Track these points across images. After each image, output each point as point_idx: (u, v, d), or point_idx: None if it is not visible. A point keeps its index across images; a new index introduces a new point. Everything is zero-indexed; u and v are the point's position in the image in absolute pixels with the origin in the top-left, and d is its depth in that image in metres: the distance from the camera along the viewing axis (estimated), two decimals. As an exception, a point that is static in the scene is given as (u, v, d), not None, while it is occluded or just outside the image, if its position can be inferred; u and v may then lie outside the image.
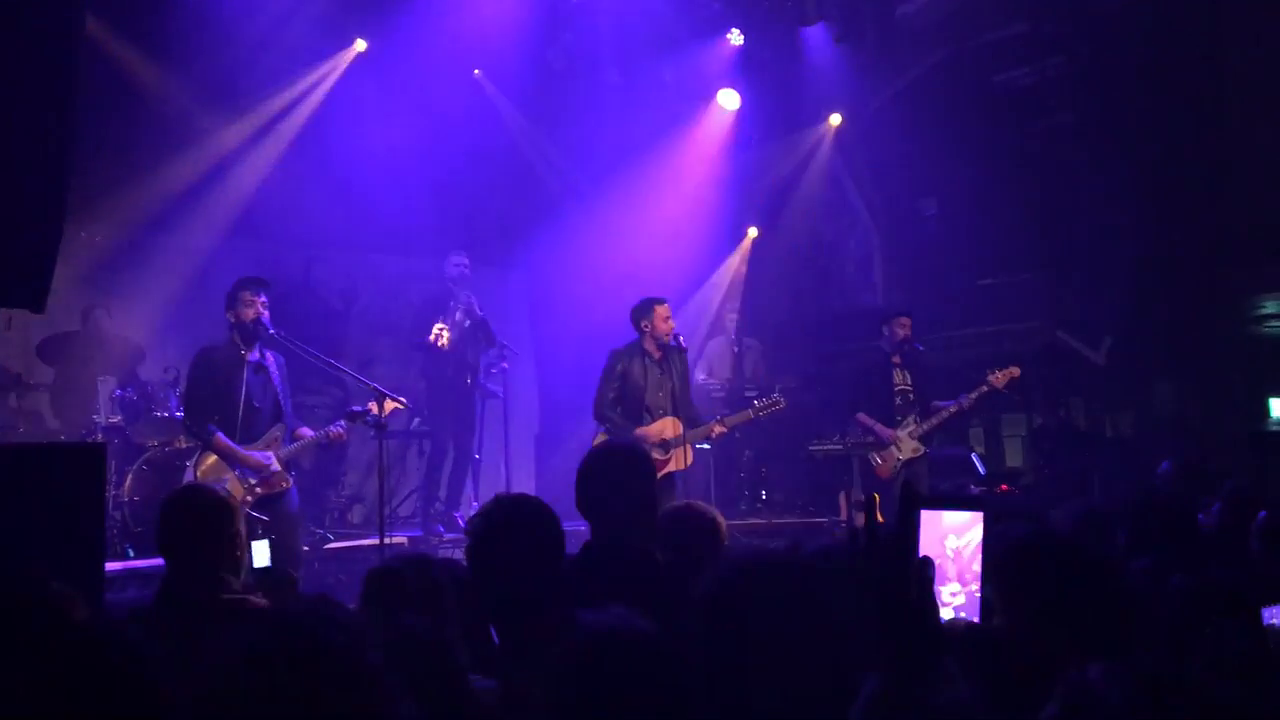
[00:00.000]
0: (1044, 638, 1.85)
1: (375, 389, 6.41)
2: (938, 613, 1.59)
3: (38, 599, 2.40)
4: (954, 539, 1.78)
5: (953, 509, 1.79)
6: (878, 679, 1.55)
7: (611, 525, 3.28)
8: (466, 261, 8.84)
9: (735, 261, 11.60)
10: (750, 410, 7.74)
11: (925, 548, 1.69)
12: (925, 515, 1.71)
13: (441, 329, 8.32)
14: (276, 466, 6.12)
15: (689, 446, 7.27)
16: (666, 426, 7.26)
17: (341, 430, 6.37)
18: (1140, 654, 2.14)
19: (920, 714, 1.52)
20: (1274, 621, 2.69)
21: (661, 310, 7.39)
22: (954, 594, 1.77)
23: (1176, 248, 9.21)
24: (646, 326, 7.39)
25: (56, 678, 1.74)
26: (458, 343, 8.51)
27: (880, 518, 1.74)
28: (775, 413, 7.85)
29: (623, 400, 7.36)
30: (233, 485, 5.92)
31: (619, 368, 7.36)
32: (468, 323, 8.56)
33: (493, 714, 2.20)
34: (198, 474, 5.99)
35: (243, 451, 6.04)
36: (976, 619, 1.77)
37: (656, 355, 7.38)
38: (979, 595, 1.78)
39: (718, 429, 7.47)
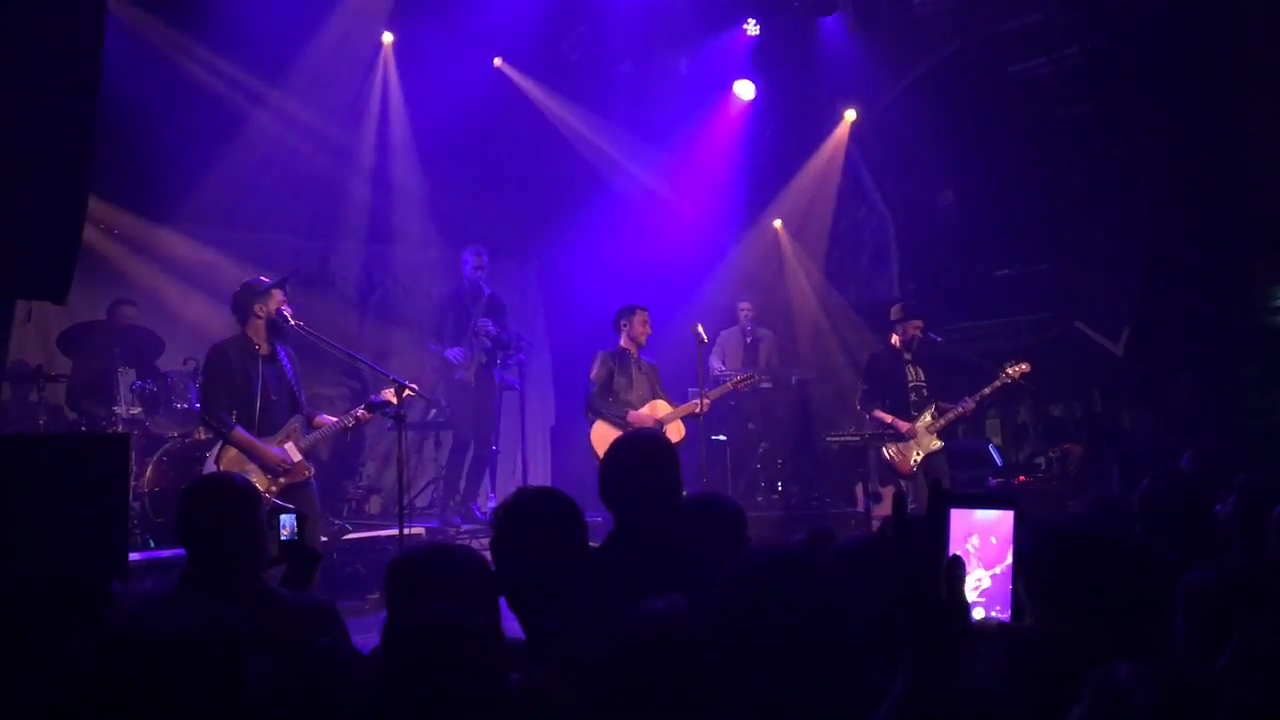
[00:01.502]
0: (1076, 635, 1.84)
1: (393, 379, 6.43)
2: (969, 611, 1.59)
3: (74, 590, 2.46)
4: (977, 537, 1.77)
5: (983, 507, 1.79)
6: (907, 677, 1.55)
7: (636, 515, 3.28)
8: (483, 260, 8.89)
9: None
10: (729, 383, 8.39)
11: (953, 542, 1.69)
12: (954, 514, 1.71)
13: (470, 361, 8.65)
14: (297, 457, 6.15)
15: (678, 421, 7.97)
16: (655, 408, 7.97)
17: (365, 412, 6.41)
18: (1171, 650, 2.13)
19: (950, 712, 1.52)
20: None
21: (641, 315, 8.06)
22: (979, 580, 1.77)
23: (1194, 238, 9.17)
24: (625, 327, 8.04)
25: (93, 664, 1.77)
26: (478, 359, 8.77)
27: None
28: (752, 385, 8.68)
29: (610, 395, 7.97)
30: (256, 476, 5.94)
31: (607, 368, 7.98)
32: (489, 344, 8.76)
33: (519, 706, 2.21)
34: (220, 466, 6.00)
35: (262, 445, 6.06)
36: (1007, 617, 1.76)
37: (634, 356, 8.05)
38: (1008, 586, 1.77)
39: (703, 402, 7.91)
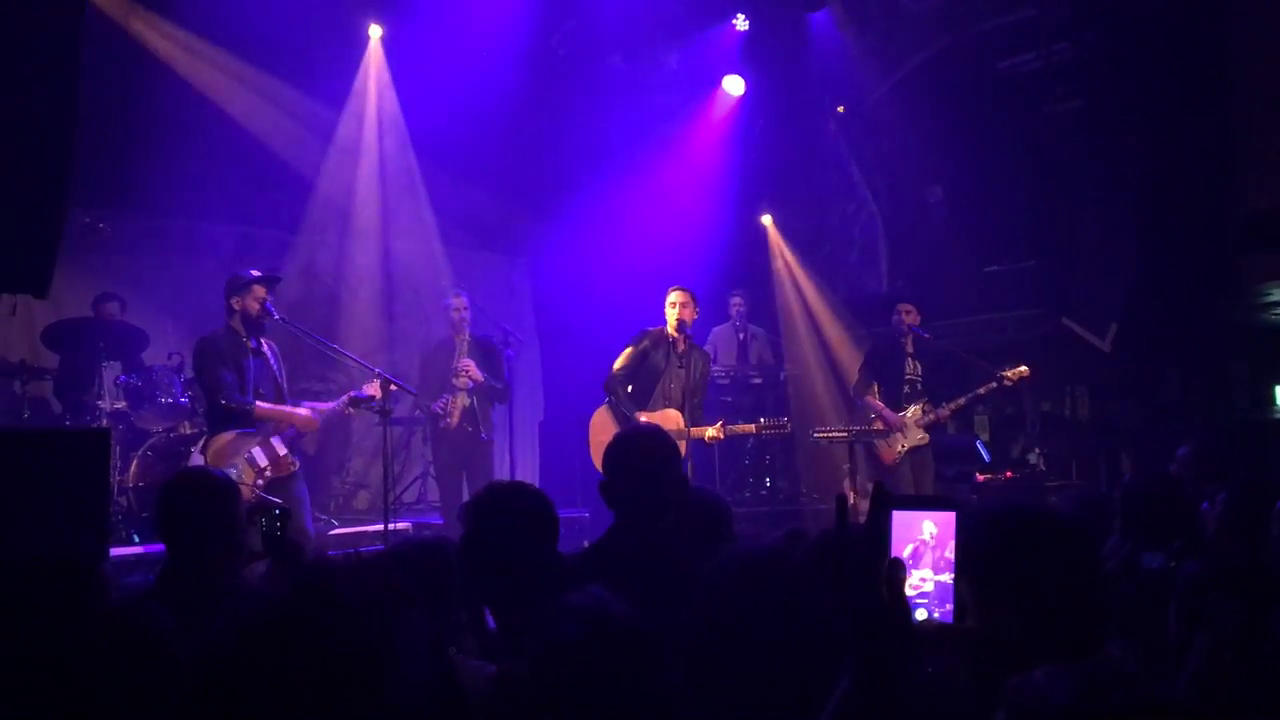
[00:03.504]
0: (1015, 634, 1.82)
1: (379, 374, 6.41)
2: (910, 615, 1.59)
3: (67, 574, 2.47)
4: (930, 525, 1.78)
5: (925, 509, 1.79)
6: (849, 680, 1.55)
7: (638, 513, 3.23)
8: (464, 304, 8.07)
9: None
10: (755, 425, 7.76)
11: (900, 535, 1.69)
12: (898, 515, 1.71)
13: (452, 406, 7.80)
14: (283, 451, 6.12)
15: (684, 443, 7.26)
16: (669, 418, 7.25)
17: (350, 407, 6.40)
18: (1114, 648, 2.12)
19: (891, 713, 1.52)
20: None
21: (670, 296, 7.48)
22: (923, 579, 1.77)
23: (1183, 234, 9.18)
24: (666, 310, 7.50)
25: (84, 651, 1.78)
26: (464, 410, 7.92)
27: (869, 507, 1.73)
28: (778, 434, 7.97)
29: (636, 380, 7.43)
30: (243, 469, 5.93)
31: (642, 346, 7.44)
32: (471, 389, 7.89)
33: (489, 699, 2.21)
34: (208, 458, 5.98)
35: (288, 409, 6.13)
36: (950, 618, 1.77)
37: (680, 347, 7.44)
38: (949, 585, 1.77)
39: (714, 433, 7.39)
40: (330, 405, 6.47)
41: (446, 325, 8.20)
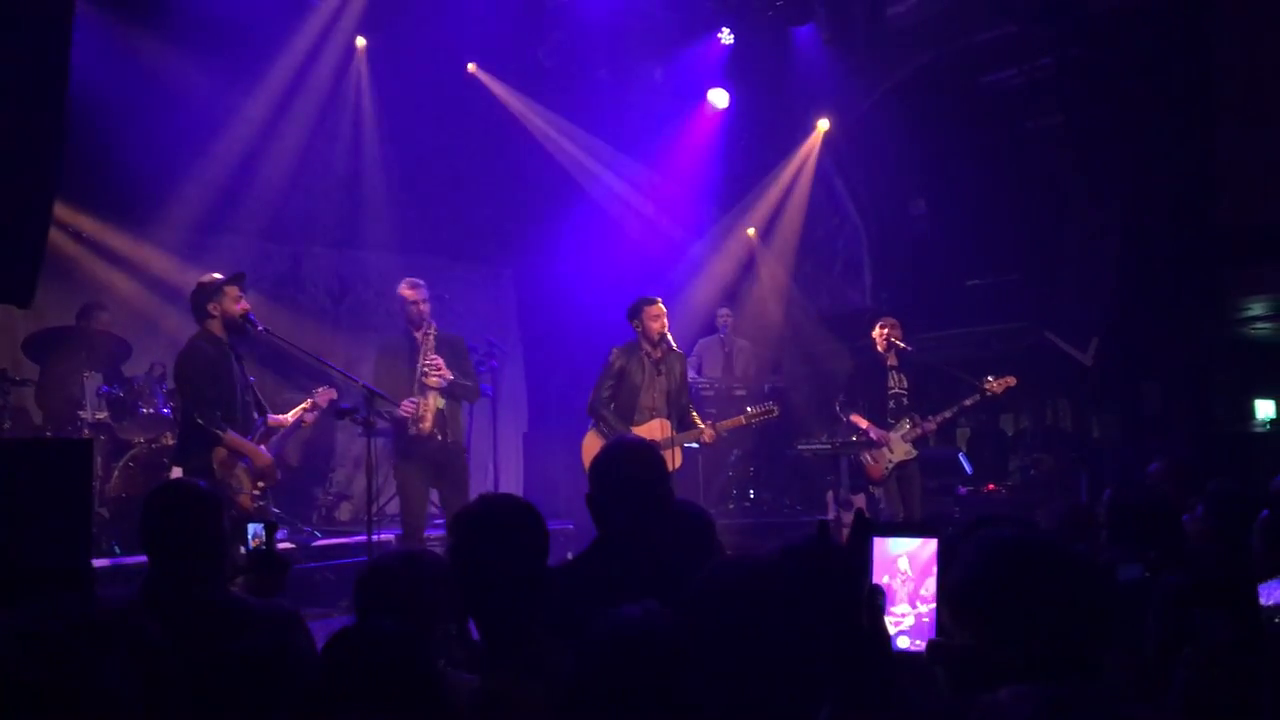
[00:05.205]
0: (998, 661, 1.81)
1: (362, 385, 6.38)
2: (889, 641, 1.60)
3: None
4: (905, 561, 1.78)
5: (907, 535, 1.80)
6: (832, 706, 1.56)
7: (623, 526, 3.21)
8: (422, 296, 7.14)
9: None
10: (742, 416, 7.76)
11: (879, 568, 1.70)
12: (879, 541, 1.72)
13: (424, 409, 6.94)
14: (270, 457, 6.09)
15: (678, 449, 7.28)
16: (656, 428, 7.23)
17: (308, 415, 6.36)
18: (1143, 652, 2.12)
19: None
20: (1273, 601, 2.71)
21: (651, 310, 7.41)
22: (903, 615, 1.78)
23: (1164, 249, 9.24)
24: (638, 326, 7.43)
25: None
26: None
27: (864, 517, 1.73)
28: (768, 420, 7.91)
29: (618, 398, 7.39)
30: (241, 478, 5.88)
31: (617, 365, 7.39)
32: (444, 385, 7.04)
33: (473, 711, 2.21)
34: (216, 464, 5.85)
35: (255, 448, 5.97)
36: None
37: (655, 355, 7.39)
38: (927, 620, 1.78)
39: (708, 433, 7.44)
40: (322, 399, 6.43)
41: (403, 320, 7.22)
